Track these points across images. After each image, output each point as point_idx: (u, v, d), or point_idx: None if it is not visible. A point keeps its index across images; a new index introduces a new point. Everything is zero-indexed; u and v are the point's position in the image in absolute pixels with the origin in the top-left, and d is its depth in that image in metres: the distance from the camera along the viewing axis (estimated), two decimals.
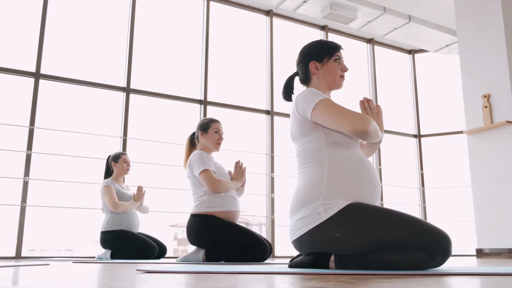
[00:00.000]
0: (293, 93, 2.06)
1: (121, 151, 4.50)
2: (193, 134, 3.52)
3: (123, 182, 4.11)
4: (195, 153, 3.28)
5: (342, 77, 1.99)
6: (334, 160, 1.80)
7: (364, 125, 1.74)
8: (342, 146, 1.83)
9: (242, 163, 3.41)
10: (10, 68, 4.45)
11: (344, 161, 1.80)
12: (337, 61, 1.98)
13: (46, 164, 4.44)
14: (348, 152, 1.84)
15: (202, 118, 5.08)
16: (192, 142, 3.48)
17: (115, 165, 4.02)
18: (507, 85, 4.44)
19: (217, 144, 3.37)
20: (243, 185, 3.44)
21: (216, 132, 3.38)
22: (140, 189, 4.01)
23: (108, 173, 4.06)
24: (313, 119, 1.82)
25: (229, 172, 3.42)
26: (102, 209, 3.96)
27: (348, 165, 1.79)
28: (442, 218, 6.34)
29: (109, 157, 4.09)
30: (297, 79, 2.08)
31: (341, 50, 2.01)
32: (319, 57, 1.97)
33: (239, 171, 3.38)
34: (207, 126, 3.41)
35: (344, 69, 1.99)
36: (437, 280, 1.26)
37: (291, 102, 1.98)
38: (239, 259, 3.03)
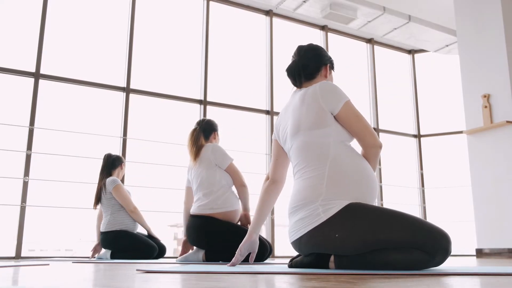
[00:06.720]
0: None
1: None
2: (197, 129, 3.35)
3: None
4: (215, 144, 3.27)
5: None
6: (336, 161, 1.78)
7: (380, 143, 1.89)
8: (346, 146, 1.85)
9: None
10: (10, 68, 4.45)
11: (345, 160, 1.79)
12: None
13: (46, 164, 4.44)
14: (349, 151, 1.84)
15: (202, 118, 5.05)
16: (197, 137, 3.30)
17: (122, 167, 4.02)
18: (507, 85, 4.44)
19: None
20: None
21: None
22: None
23: (109, 172, 3.97)
24: (338, 114, 1.83)
25: None
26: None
27: (349, 164, 1.79)
28: (442, 218, 6.34)
29: (111, 156, 4.01)
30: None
31: None
32: (331, 65, 2.10)
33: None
34: (217, 128, 3.46)
35: None
36: (437, 280, 1.26)
37: (300, 93, 1.94)
38: None
